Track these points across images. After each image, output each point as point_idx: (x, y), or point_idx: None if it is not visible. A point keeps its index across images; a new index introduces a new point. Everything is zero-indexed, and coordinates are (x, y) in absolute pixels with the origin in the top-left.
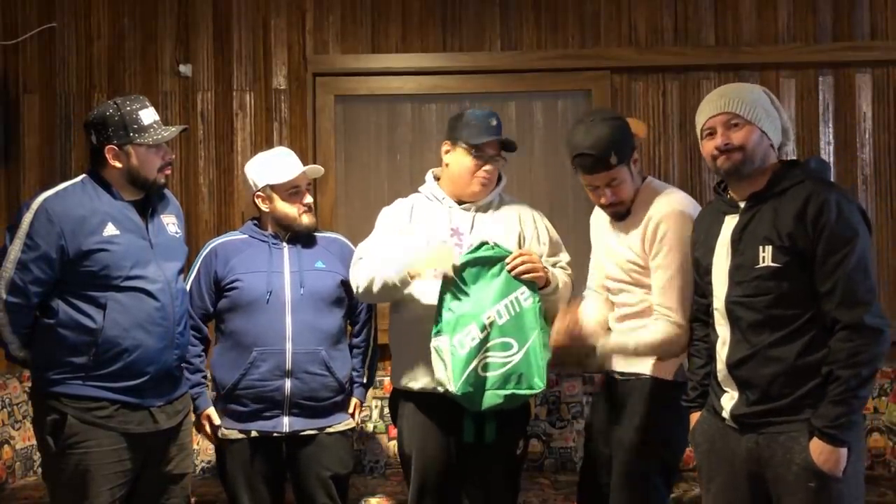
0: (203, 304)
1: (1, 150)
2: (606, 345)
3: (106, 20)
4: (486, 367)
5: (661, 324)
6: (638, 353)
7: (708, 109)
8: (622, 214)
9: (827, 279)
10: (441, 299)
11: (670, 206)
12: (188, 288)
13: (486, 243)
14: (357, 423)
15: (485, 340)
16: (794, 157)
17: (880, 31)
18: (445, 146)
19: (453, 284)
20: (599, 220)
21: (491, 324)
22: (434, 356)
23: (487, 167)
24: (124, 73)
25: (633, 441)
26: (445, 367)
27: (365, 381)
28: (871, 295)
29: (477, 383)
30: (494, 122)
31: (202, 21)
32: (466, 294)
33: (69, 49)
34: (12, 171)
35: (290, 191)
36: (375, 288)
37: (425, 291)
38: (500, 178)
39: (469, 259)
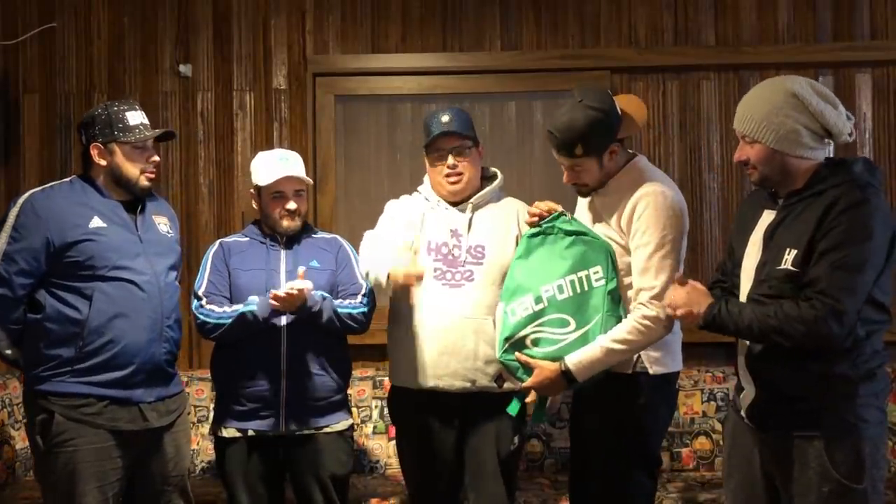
0: (225, 292)
1: (1, 150)
2: (570, 362)
3: (106, 20)
4: (537, 342)
5: (629, 321)
6: (612, 357)
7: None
8: (584, 192)
9: (814, 268)
10: (510, 267)
11: (651, 186)
12: (204, 285)
13: (563, 215)
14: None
15: (538, 314)
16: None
17: (880, 31)
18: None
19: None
20: (580, 203)
21: (549, 298)
22: None
23: (449, 163)
24: (124, 73)
25: (602, 441)
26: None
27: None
28: (847, 294)
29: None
30: (446, 118)
31: (202, 21)
32: (531, 263)
33: (69, 49)
34: (12, 171)
35: (274, 194)
36: (371, 283)
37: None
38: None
39: (545, 228)
